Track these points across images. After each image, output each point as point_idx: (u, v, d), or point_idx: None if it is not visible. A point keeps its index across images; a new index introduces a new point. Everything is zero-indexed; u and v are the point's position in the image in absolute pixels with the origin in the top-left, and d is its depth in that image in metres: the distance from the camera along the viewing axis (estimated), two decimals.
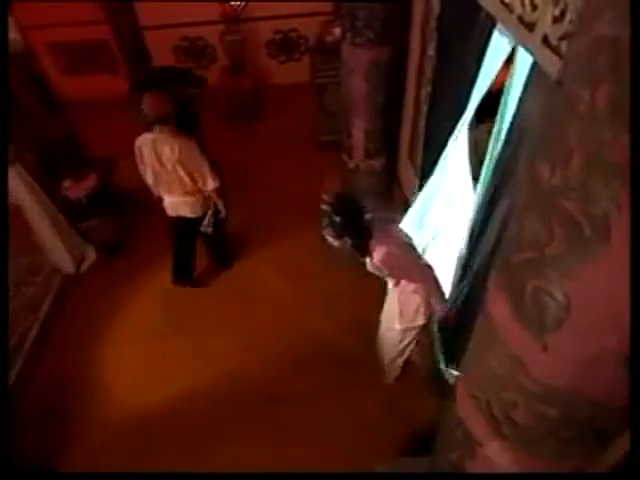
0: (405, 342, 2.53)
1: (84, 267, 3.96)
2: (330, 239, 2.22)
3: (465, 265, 2.37)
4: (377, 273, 2.35)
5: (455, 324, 2.37)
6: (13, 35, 3.36)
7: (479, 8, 1.85)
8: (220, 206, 3.16)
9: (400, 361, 2.67)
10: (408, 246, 2.35)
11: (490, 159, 2.03)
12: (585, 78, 0.66)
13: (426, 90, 2.84)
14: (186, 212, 3.19)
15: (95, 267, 4.01)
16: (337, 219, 2.12)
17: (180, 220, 3.27)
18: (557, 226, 0.68)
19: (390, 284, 2.45)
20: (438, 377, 2.68)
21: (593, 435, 0.94)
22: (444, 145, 2.53)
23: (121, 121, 5.52)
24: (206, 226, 3.23)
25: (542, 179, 0.70)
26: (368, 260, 2.27)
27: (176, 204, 3.17)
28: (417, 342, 2.58)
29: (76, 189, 3.56)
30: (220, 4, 5.43)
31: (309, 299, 3.59)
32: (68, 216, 3.76)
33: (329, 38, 4.57)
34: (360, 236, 2.19)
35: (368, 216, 2.26)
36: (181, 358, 3.31)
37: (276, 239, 4.06)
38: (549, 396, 0.83)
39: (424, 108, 2.97)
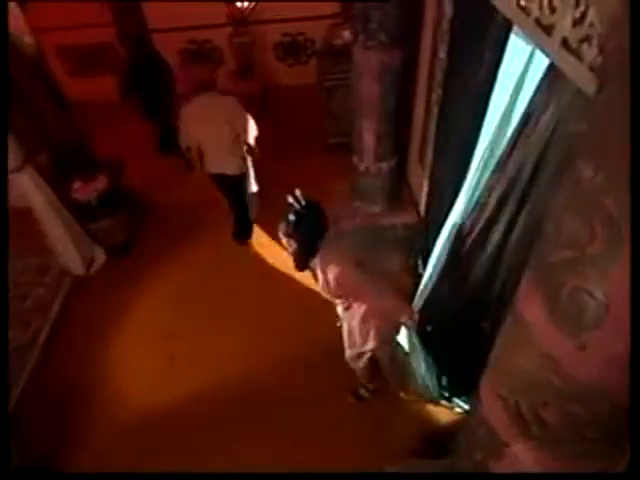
0: (362, 362, 2.52)
1: (93, 269, 3.98)
2: (280, 234, 2.11)
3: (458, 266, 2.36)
4: (326, 294, 2.20)
5: (438, 329, 2.38)
6: (26, 38, 3.40)
7: (494, 11, 1.86)
8: (256, 151, 3.54)
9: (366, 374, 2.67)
10: (360, 266, 2.15)
11: (488, 157, 2.02)
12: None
13: (437, 93, 2.85)
14: (229, 169, 3.55)
15: (104, 268, 4.03)
16: (292, 217, 2.01)
17: (223, 178, 3.64)
18: (599, 225, 0.69)
19: (340, 309, 2.32)
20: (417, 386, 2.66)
21: (618, 436, 0.94)
22: (455, 149, 2.54)
23: (126, 123, 5.61)
24: (249, 184, 3.73)
25: (584, 179, 0.71)
26: (321, 278, 2.11)
27: (220, 162, 3.51)
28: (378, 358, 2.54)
29: (86, 190, 3.57)
30: (227, 6, 5.47)
31: (316, 303, 3.59)
32: (78, 217, 3.78)
33: (337, 41, 4.60)
34: (307, 246, 2.06)
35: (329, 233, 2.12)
36: (189, 359, 3.32)
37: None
38: (579, 395, 0.84)
39: (435, 111, 2.98)
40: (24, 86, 3.32)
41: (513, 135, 1.90)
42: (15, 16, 3.40)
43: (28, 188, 3.38)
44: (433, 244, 3.26)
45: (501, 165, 1.94)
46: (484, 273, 2.05)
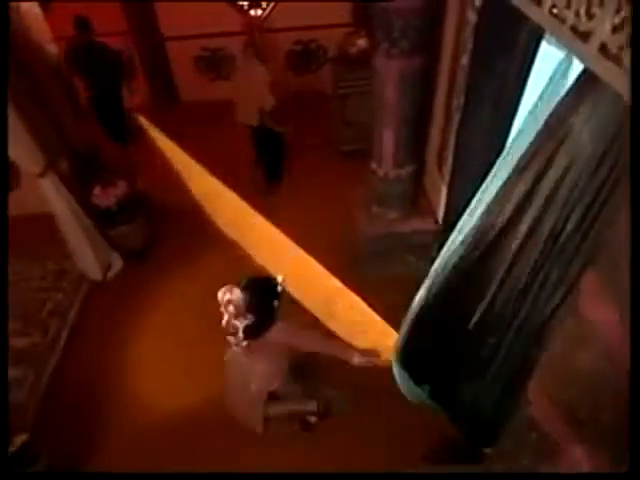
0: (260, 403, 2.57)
1: (111, 274, 4.00)
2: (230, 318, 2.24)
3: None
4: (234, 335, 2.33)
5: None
6: (49, 45, 3.45)
7: (522, 18, 1.87)
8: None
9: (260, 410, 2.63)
10: None
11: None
12: None
13: (458, 100, 2.87)
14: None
15: (121, 273, 4.06)
16: (246, 298, 2.17)
17: (253, 129, 4.53)
18: None
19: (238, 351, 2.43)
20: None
21: None
22: (478, 156, 2.55)
23: (139, 129, 5.66)
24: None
25: None
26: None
27: (251, 114, 4.36)
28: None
29: (106, 196, 3.60)
30: (240, 15, 5.54)
31: None
32: (97, 223, 3.81)
33: (352, 49, 4.64)
34: (266, 315, 2.24)
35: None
36: (206, 363, 3.30)
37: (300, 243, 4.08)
38: None
39: (455, 118, 2.99)
40: (46, 92, 3.37)
41: (538, 140, 1.89)
42: (38, 22, 3.45)
43: (50, 194, 3.41)
44: None
45: (520, 170, 1.93)
46: (497, 283, 1.98)
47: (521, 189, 1.83)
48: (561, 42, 1.64)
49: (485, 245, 2.04)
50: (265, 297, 2.25)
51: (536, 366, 1.37)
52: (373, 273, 3.69)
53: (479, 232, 2.03)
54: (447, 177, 3.16)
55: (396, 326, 2.68)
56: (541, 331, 1.68)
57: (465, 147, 2.75)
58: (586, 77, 1.63)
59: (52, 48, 3.47)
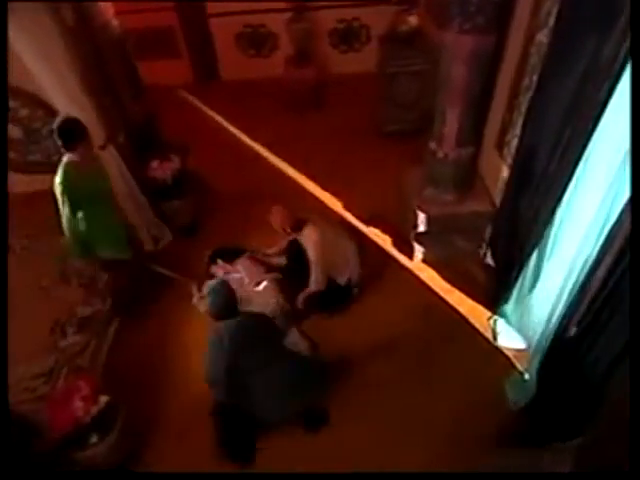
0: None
1: (160, 246, 4.05)
2: None
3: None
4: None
5: None
6: (113, 21, 3.46)
7: None
8: None
9: None
10: None
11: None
12: None
13: (530, 79, 2.80)
14: None
15: (170, 247, 4.10)
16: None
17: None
18: None
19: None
20: None
21: None
22: (549, 137, 2.49)
23: (186, 107, 5.68)
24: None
25: None
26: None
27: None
28: None
29: (162, 170, 3.65)
30: None
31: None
32: (150, 196, 3.85)
33: (403, 27, 4.55)
34: None
35: None
36: None
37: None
38: None
39: (523, 98, 2.93)
40: (109, 68, 3.39)
41: None
42: None
43: (109, 167, 3.46)
44: (507, 233, 3.25)
45: None
46: None
47: None
48: None
49: None
50: None
51: None
52: (423, 256, 3.69)
53: None
54: (510, 158, 3.11)
55: None
56: None
57: (536, 128, 2.69)
58: None
59: (115, 23, 3.48)
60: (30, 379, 3.00)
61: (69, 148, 2.75)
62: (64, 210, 2.80)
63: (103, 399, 2.30)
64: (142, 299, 3.54)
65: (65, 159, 2.78)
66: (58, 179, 2.74)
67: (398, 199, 3.93)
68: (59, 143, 2.72)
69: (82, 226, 2.91)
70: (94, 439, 2.25)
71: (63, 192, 2.74)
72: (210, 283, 2.67)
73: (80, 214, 2.88)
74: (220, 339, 2.48)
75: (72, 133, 2.72)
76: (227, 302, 2.55)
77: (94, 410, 2.23)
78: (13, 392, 2.71)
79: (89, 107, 3.20)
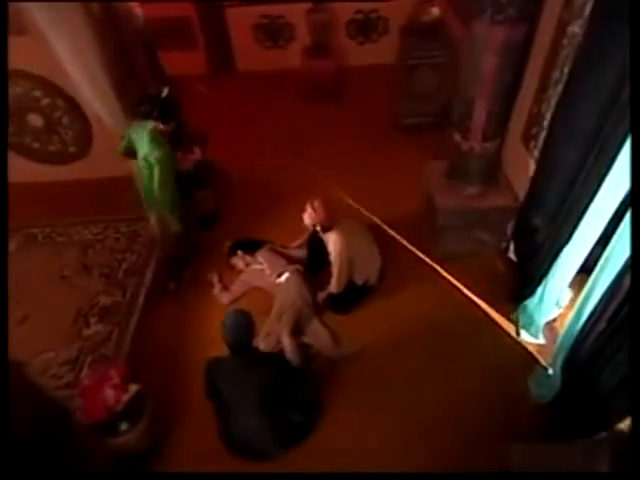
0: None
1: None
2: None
3: None
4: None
5: None
6: (136, 9, 3.46)
7: None
8: None
9: None
10: None
11: None
12: None
13: (560, 72, 2.76)
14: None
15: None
16: None
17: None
18: None
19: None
20: None
21: None
22: (581, 131, 2.46)
23: (202, 97, 5.66)
24: None
25: None
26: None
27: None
28: None
29: (185, 161, 3.65)
30: None
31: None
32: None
33: (425, 18, 4.49)
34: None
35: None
36: None
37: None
38: None
39: (551, 91, 2.89)
40: (134, 58, 3.39)
41: None
42: None
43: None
44: (532, 228, 3.23)
45: None
46: None
47: None
48: None
49: None
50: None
51: None
52: (444, 250, 3.67)
53: None
54: (537, 152, 3.07)
55: None
56: None
57: (567, 123, 2.65)
58: None
59: (138, 11, 3.47)
60: (58, 366, 3.03)
61: (165, 120, 3.02)
62: (160, 173, 3.02)
63: (133, 387, 2.32)
64: (180, 275, 3.70)
65: (150, 127, 3.00)
66: (157, 144, 3.00)
67: (418, 192, 3.91)
68: (155, 113, 2.97)
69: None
70: (124, 426, 2.28)
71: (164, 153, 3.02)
72: (229, 311, 2.47)
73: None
74: (218, 362, 2.45)
75: (173, 108, 3.08)
76: (241, 338, 2.38)
77: (125, 398, 2.25)
78: (43, 379, 2.77)
79: (114, 98, 3.20)
